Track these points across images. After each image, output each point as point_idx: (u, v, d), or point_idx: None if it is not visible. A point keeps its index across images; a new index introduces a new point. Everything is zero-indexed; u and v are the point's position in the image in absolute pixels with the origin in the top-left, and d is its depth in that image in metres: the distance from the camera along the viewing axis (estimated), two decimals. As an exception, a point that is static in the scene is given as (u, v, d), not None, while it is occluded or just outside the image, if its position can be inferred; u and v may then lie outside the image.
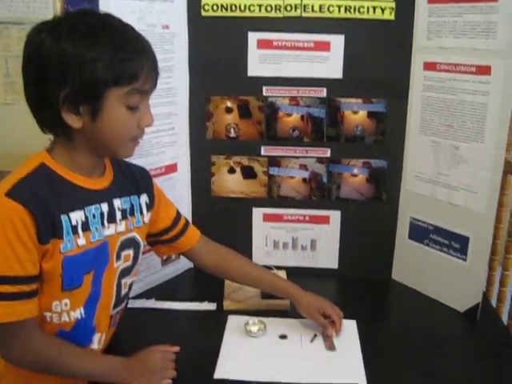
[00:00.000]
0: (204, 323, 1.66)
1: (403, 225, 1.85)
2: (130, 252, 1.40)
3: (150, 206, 1.46)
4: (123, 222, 1.36)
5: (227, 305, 1.71)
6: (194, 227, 1.63)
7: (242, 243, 1.90)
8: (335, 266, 1.95)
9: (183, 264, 1.93)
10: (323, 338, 1.55)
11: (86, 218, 1.25)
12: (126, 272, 1.40)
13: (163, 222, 1.54)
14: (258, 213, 1.93)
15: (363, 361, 1.46)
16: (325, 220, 1.91)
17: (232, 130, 1.86)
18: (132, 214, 1.39)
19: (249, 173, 1.89)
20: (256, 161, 1.87)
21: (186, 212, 1.89)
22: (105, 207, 1.30)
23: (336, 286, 1.93)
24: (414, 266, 1.84)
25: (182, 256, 1.74)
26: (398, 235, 1.87)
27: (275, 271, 1.82)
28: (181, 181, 1.87)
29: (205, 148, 1.88)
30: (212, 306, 1.72)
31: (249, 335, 1.57)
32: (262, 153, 1.86)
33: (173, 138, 1.81)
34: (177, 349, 1.44)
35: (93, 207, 1.27)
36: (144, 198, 1.44)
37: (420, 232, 1.80)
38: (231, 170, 1.89)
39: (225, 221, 1.92)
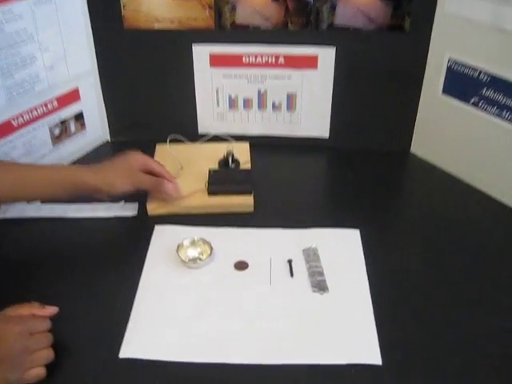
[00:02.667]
0: (114, 244, 1.04)
1: (436, 71, 1.16)
2: None
3: None
4: None
5: (152, 208, 1.08)
6: None
7: (181, 102, 1.31)
8: (325, 134, 1.30)
9: (90, 137, 1.28)
10: None
11: None
12: None
13: None
14: (201, 53, 1.23)
15: (373, 311, 0.88)
16: (310, 63, 1.21)
17: None
18: None
19: (182, -15, 1.15)
20: (194, -36, 1.13)
21: (86, 57, 1.21)
22: None
23: (325, 168, 1.31)
24: (448, 137, 1.21)
25: (88, 125, 1.19)
26: (425, 87, 1.21)
27: (233, 145, 1.21)
28: (66, 4, 1.14)
29: None
30: (130, 211, 1.08)
31: (184, 265, 0.96)
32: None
33: None
34: (53, 311, 0.83)
35: None
36: None
37: (464, 84, 1.12)
38: (154, -18, 1.15)
39: (150, 68, 1.26)
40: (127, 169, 1.05)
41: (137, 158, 1.07)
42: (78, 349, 0.83)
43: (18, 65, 1.06)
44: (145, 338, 0.84)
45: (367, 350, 0.82)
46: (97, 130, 1.30)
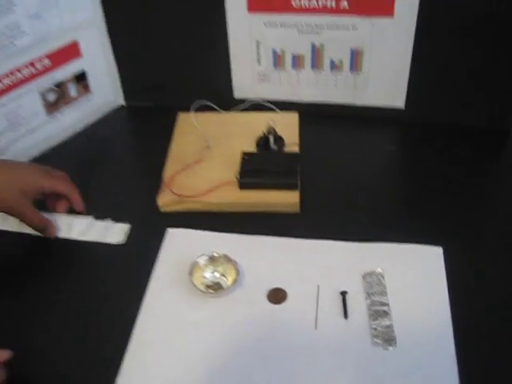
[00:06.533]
0: (108, 261, 0.79)
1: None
2: None
3: None
4: None
5: (165, 202, 0.83)
6: None
7: (210, 60, 1.02)
8: (400, 103, 0.99)
9: (98, 102, 1.04)
10: None
11: None
12: None
13: None
14: (237, -5, 0.93)
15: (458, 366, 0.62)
16: (383, 7, 0.89)
17: None
18: None
19: None
20: None
21: (85, 3, 0.94)
22: None
23: (399, 150, 0.98)
24: None
25: (93, 87, 0.99)
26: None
27: (277, 114, 0.96)
28: None
29: None
30: (114, 236, 0.81)
31: (200, 292, 0.71)
32: None
33: None
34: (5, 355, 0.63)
35: None
36: None
37: None
38: None
39: (171, 14, 0.97)
40: (17, 188, 0.77)
41: (32, 181, 0.79)
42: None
43: (-9, 13, 0.80)
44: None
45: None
46: (106, 92, 1.04)
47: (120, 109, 1.08)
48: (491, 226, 0.82)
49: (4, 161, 0.80)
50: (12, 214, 0.77)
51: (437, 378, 0.62)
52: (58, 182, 0.81)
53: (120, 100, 1.07)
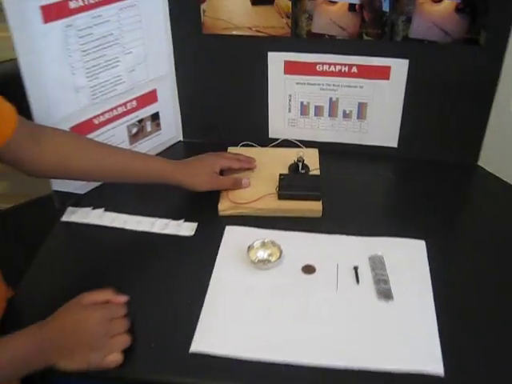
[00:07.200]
0: (183, 247, 1.07)
1: (509, 85, 1.15)
2: None
3: None
4: None
5: (224, 208, 1.13)
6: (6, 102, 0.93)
7: (253, 106, 1.34)
8: (394, 143, 1.31)
9: (164, 137, 1.35)
10: None
11: None
12: None
13: None
14: (276, 60, 1.25)
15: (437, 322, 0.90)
16: (382, 73, 1.22)
17: None
18: None
19: (262, -5, 1.19)
20: (274, -26, 1.16)
21: (164, 60, 1.26)
22: None
23: (393, 177, 1.30)
24: None
25: (163, 125, 1.27)
26: (497, 101, 1.19)
27: (303, 151, 1.22)
28: (150, 9, 1.18)
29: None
30: (187, 231, 1.10)
31: (254, 266, 0.99)
32: (284, -40, 1.15)
33: None
34: (125, 299, 0.90)
35: None
36: None
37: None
38: (234, -9, 1.19)
39: (224, 72, 1.29)
40: (207, 172, 1.14)
41: (214, 161, 1.16)
42: (151, 341, 0.87)
43: (103, 66, 1.12)
44: (214, 334, 0.88)
45: (429, 360, 0.84)
46: (171, 130, 1.34)
47: (179, 143, 1.37)
48: (461, 230, 1.13)
49: (196, 158, 1.17)
50: (211, 188, 1.14)
51: (420, 325, 0.90)
52: (230, 161, 1.19)
53: (180, 136, 1.38)
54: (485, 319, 0.91)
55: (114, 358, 0.82)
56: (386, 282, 0.96)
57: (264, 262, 1.00)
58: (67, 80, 1.06)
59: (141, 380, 0.85)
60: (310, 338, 0.87)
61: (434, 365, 0.82)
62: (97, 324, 0.84)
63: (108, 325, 0.84)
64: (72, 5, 1.01)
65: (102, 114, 1.16)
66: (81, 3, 1.02)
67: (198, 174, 1.13)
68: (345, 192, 1.20)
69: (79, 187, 1.17)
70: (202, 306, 0.92)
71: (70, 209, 1.14)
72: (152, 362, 0.85)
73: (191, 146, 1.36)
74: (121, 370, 0.83)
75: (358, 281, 0.97)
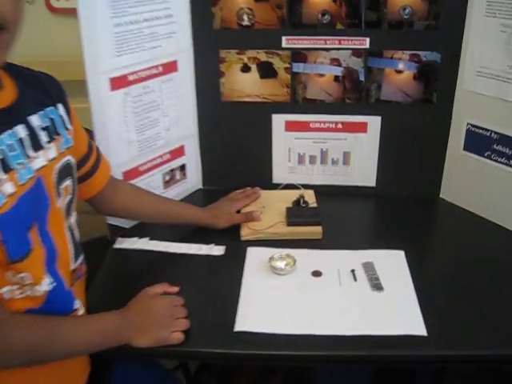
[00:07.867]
0: (216, 263, 1.35)
1: (458, 133, 1.50)
2: (68, 182, 1.06)
3: (70, 120, 1.10)
4: (52, 145, 1.00)
5: (245, 234, 1.41)
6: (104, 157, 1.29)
7: (260, 158, 1.65)
8: (372, 183, 1.64)
9: (188, 185, 1.64)
10: None
11: (2, 151, 0.89)
12: (69, 209, 1.07)
13: (80, 146, 1.16)
14: (278, 120, 1.59)
15: (418, 302, 1.19)
16: (361, 128, 1.56)
17: (245, 17, 1.47)
18: (56, 131, 1.03)
19: (267, 71, 1.52)
20: (276, 55, 1.51)
21: (191, 122, 1.57)
22: (22, 130, 0.94)
23: (374, 208, 1.63)
24: (469, 183, 1.52)
25: (188, 175, 1.49)
26: (450, 146, 1.54)
27: (302, 191, 1.52)
28: (182, 82, 1.51)
29: (211, 40, 1.52)
30: (217, 251, 1.38)
31: (274, 272, 1.27)
32: (284, 45, 1.50)
33: (170, 27, 1.42)
34: (177, 289, 1.20)
35: (5, 135, 0.90)
36: (62, 109, 1.07)
37: (479, 142, 1.45)
38: (245, 68, 1.53)
39: (238, 131, 1.61)
40: (226, 213, 1.44)
41: (231, 205, 1.47)
42: (203, 326, 1.12)
43: (148, 125, 1.42)
44: (251, 317, 1.14)
45: (414, 325, 1.12)
46: (193, 179, 1.63)
47: (199, 190, 1.67)
48: (430, 242, 1.46)
49: (216, 204, 1.47)
50: (230, 225, 1.42)
51: (405, 304, 1.18)
52: (242, 202, 1.49)
53: (200, 185, 1.67)
54: (458, 290, 1.21)
55: (177, 335, 1.06)
56: (377, 279, 1.24)
57: (282, 269, 1.29)
58: (123, 135, 1.37)
59: (198, 352, 1.10)
60: (323, 317, 1.15)
61: (418, 328, 1.11)
62: (165, 308, 1.10)
63: (173, 309, 1.11)
64: (130, 77, 1.34)
65: (145, 163, 1.45)
66: (135, 76, 1.35)
67: (219, 216, 1.43)
68: (337, 220, 1.50)
69: (125, 222, 1.43)
70: (238, 299, 1.18)
71: (119, 239, 1.41)
72: (206, 339, 1.10)
73: (209, 192, 1.64)
74: (182, 347, 1.07)
75: (355, 279, 1.25)
